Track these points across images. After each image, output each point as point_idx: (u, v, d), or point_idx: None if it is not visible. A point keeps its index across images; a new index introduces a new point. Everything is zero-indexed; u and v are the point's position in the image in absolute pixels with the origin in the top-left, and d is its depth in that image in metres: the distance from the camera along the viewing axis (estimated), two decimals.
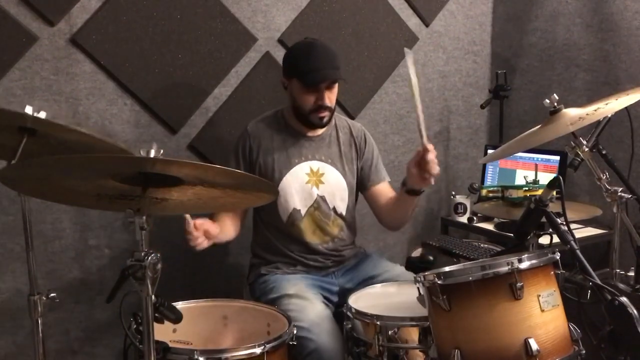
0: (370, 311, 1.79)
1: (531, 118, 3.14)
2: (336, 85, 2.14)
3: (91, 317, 2.43)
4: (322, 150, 2.24)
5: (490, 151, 3.08)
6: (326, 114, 2.14)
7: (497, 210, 2.65)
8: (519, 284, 1.43)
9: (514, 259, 1.45)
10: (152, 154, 1.25)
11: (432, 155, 1.92)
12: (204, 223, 1.93)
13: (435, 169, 1.93)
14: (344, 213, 2.26)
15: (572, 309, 1.60)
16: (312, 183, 2.21)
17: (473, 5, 3.21)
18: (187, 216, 1.83)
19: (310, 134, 2.23)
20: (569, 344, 1.49)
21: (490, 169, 3.08)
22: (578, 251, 1.56)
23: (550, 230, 1.67)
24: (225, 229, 2.16)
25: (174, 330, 1.77)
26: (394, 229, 2.40)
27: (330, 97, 2.13)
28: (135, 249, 1.31)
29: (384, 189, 2.33)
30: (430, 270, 1.57)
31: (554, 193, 1.66)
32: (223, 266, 2.45)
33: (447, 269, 1.55)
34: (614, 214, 1.81)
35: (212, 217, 2.22)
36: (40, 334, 1.69)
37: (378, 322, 1.75)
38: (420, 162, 1.94)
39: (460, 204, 2.96)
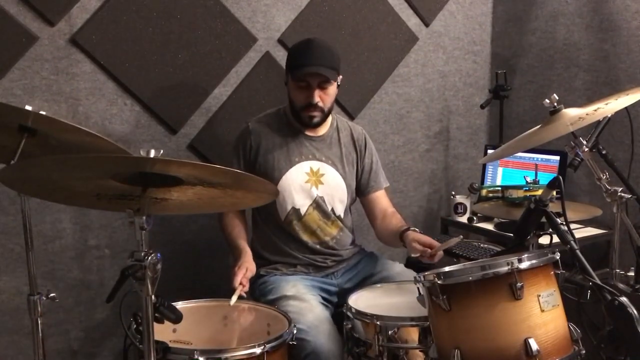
0: (370, 311, 1.79)
1: (531, 118, 3.14)
2: (331, 87, 2.12)
3: (91, 317, 2.43)
4: (323, 150, 2.24)
5: (490, 151, 3.07)
6: (317, 113, 2.13)
7: (497, 210, 2.65)
8: (519, 284, 1.43)
9: (514, 259, 1.45)
10: (152, 154, 1.25)
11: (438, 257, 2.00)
12: (245, 277, 1.98)
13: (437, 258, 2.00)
14: (342, 215, 2.26)
15: (572, 309, 1.60)
16: (312, 183, 2.20)
17: (473, 5, 3.21)
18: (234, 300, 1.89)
19: (311, 133, 2.23)
20: (569, 344, 1.49)
21: (490, 169, 3.07)
22: (578, 251, 1.56)
23: (550, 230, 1.67)
24: (243, 225, 2.24)
25: (174, 330, 1.76)
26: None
27: (322, 97, 2.11)
28: (135, 249, 1.31)
29: (381, 198, 2.34)
30: (430, 270, 1.57)
31: (554, 193, 1.66)
32: (223, 266, 2.44)
33: (447, 269, 1.55)
34: (614, 214, 1.81)
35: (221, 215, 2.24)
36: (40, 334, 1.69)
37: (378, 322, 1.75)
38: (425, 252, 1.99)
39: (460, 204, 2.96)
